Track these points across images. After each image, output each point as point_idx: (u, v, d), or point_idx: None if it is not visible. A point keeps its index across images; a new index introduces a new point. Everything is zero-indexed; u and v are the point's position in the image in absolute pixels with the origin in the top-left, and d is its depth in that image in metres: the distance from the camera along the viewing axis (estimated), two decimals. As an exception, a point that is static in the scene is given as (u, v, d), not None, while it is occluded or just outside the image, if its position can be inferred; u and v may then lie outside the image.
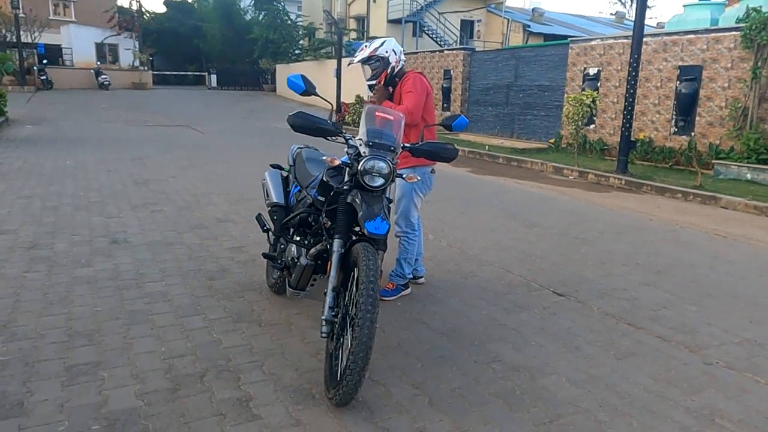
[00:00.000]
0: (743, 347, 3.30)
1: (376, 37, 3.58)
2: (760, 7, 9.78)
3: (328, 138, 2.85)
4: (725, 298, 4.11)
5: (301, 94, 2.91)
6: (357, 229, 2.72)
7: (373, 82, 3.58)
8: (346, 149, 2.79)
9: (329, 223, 2.82)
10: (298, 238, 3.17)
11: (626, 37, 12.29)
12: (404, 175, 2.82)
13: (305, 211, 3.04)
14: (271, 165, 3.89)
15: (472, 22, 29.77)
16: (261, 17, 33.61)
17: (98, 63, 31.24)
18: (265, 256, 3.45)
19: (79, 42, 32.03)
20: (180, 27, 38.35)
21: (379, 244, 2.59)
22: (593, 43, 13.06)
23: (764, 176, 9.11)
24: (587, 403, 2.63)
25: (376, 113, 2.75)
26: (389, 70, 3.60)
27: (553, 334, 3.39)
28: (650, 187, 8.74)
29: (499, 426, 2.42)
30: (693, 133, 10.88)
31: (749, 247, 5.69)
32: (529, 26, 27.87)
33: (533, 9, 31.18)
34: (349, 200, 2.60)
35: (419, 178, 2.90)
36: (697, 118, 10.87)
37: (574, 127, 10.80)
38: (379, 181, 2.58)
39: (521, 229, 5.90)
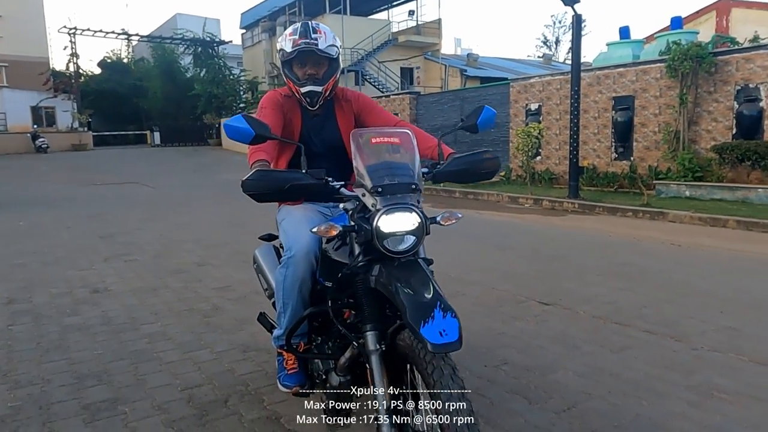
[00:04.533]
0: (722, 333, 3.58)
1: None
2: (680, 40, 10.77)
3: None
4: (695, 295, 4.43)
5: (250, 144, 1.96)
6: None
7: (319, 88, 2.31)
8: (342, 205, 2.00)
9: (351, 313, 2.05)
10: (318, 346, 2.32)
11: (562, 74, 13.19)
12: (438, 218, 1.90)
13: (315, 310, 2.15)
14: (260, 237, 2.88)
15: (411, 69, 30.95)
16: (202, 74, 33.84)
17: (35, 126, 30.34)
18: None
19: (13, 106, 31.16)
20: (118, 87, 37.95)
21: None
22: (532, 81, 13.90)
23: (701, 192, 9.83)
24: (598, 390, 2.80)
25: (373, 139, 1.87)
26: (337, 77, 2.39)
27: (550, 337, 3.58)
28: (602, 208, 9.27)
29: (524, 417, 2.55)
30: (632, 158, 11.65)
31: (703, 252, 6.14)
32: (465, 70, 29.22)
33: (468, 54, 32.76)
34: (373, 284, 1.77)
35: (461, 215, 1.99)
36: (635, 144, 11.68)
37: (524, 158, 11.37)
38: (410, 241, 1.74)
39: (496, 252, 6.15)
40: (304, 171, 1.86)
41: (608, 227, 7.81)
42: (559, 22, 51.17)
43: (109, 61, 41.90)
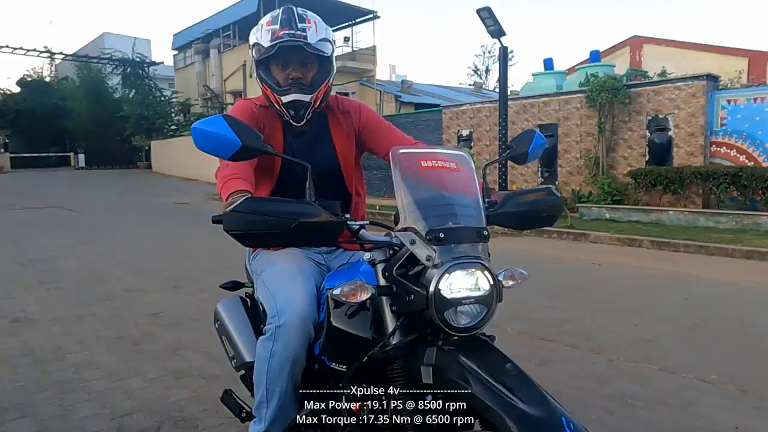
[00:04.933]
0: (636, 345, 3.87)
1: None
2: (598, 72, 11.55)
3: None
4: (613, 311, 4.75)
5: (232, 159, 1.34)
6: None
7: (307, 98, 1.72)
8: (366, 255, 1.41)
9: (364, 405, 1.44)
10: None
11: (491, 101, 13.80)
12: (500, 278, 1.36)
13: (317, 408, 1.47)
14: (222, 286, 2.14)
15: (347, 94, 31.29)
16: (131, 95, 32.87)
17: (-56, 147, 28.40)
18: None
19: None
20: (39, 107, 36.11)
21: None
22: (463, 108, 14.45)
23: (619, 214, 10.49)
24: (524, 402, 2.96)
25: (423, 162, 1.38)
26: (330, 82, 1.80)
27: (480, 353, 3.74)
28: (529, 230, 9.70)
29: (455, 430, 2.67)
30: (557, 182, 12.28)
31: (620, 270, 6.57)
32: (400, 96, 29.88)
33: (402, 81, 33.53)
34: (429, 379, 1.22)
35: (527, 273, 1.48)
36: (559, 169, 12.34)
37: (456, 183, 11.76)
38: (477, 313, 1.25)
39: (428, 273, 6.33)
40: (314, 201, 1.26)
41: (535, 248, 8.19)
42: (489, 52, 53.23)
43: (29, 79, 39.90)
